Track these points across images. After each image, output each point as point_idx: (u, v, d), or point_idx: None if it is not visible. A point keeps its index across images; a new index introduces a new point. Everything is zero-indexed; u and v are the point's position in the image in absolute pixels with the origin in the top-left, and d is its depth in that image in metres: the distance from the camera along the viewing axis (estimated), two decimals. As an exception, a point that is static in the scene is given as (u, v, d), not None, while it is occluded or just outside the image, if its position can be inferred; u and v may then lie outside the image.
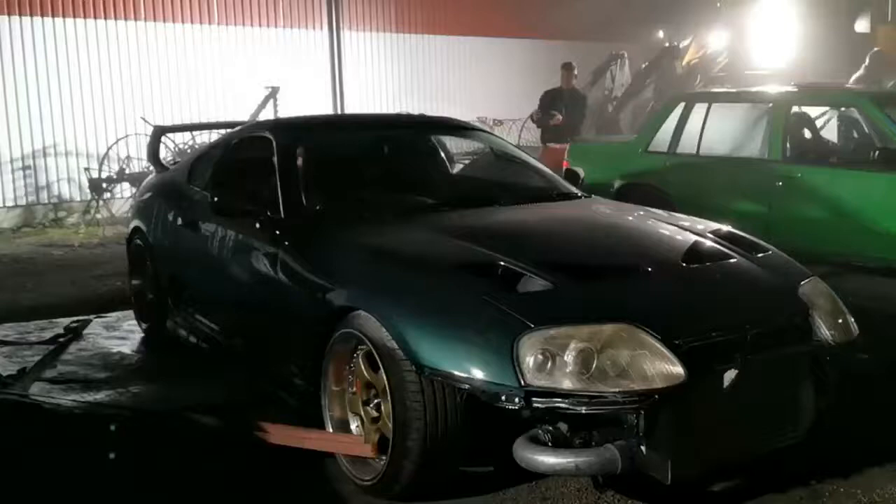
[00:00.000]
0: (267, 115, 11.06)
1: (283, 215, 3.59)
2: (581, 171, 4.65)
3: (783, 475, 2.91)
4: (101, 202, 9.68)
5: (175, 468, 3.21)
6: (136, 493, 3.05)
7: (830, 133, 6.93)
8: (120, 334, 5.10)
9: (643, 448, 2.50)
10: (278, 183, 3.72)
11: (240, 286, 3.80)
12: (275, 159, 3.84)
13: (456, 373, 2.54)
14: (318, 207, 3.67)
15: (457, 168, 5.20)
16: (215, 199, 3.67)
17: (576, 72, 8.98)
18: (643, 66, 12.63)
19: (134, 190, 10.14)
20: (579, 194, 4.20)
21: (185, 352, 4.51)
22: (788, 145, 6.28)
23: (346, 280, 3.07)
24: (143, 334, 5.04)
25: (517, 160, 4.60)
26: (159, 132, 5.57)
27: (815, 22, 12.57)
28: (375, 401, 2.93)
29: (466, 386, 2.53)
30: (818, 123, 6.79)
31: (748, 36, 12.70)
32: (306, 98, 11.52)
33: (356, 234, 3.35)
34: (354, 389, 3.02)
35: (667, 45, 12.69)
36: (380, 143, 4.49)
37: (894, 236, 5.51)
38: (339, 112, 12.20)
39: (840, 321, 2.97)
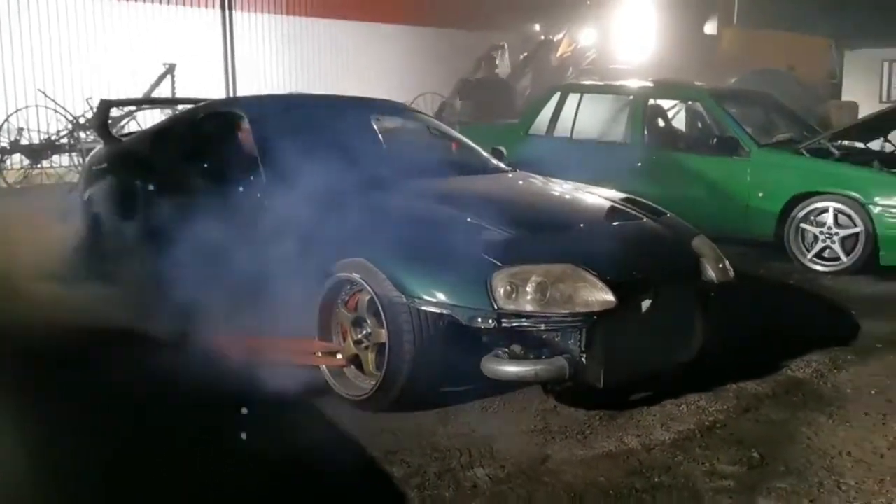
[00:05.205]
0: (164, 91, 11.20)
1: (264, 180, 4.14)
2: (504, 150, 5.38)
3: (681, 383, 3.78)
4: (-2, 173, 9.64)
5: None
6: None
7: (680, 123, 8.14)
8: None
9: (583, 359, 3.29)
10: (257, 152, 4.25)
11: (224, 243, 4.27)
12: (251, 132, 4.38)
13: (442, 302, 3.24)
14: (292, 174, 4.22)
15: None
16: (206, 165, 4.16)
17: (497, 61, 9.77)
18: (522, 56, 13.63)
19: (28, 162, 10.11)
20: (508, 168, 4.96)
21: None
22: (646, 132, 7.39)
23: (337, 233, 3.68)
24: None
25: (454, 139, 5.34)
26: (107, 105, 5.75)
27: (670, 23, 13.86)
28: (365, 331, 3.57)
29: (449, 311, 3.24)
30: (670, 114, 7.99)
31: (613, 33, 13.88)
32: (201, 77, 11.73)
33: (335, 196, 3.94)
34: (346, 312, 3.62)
35: (543, 38, 13.73)
36: (339, 120, 5.02)
37: (725, 210, 6.69)
38: (231, 91, 12.46)
39: (721, 266, 3.89)
